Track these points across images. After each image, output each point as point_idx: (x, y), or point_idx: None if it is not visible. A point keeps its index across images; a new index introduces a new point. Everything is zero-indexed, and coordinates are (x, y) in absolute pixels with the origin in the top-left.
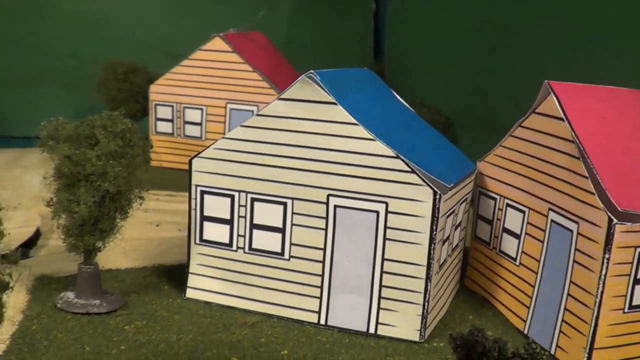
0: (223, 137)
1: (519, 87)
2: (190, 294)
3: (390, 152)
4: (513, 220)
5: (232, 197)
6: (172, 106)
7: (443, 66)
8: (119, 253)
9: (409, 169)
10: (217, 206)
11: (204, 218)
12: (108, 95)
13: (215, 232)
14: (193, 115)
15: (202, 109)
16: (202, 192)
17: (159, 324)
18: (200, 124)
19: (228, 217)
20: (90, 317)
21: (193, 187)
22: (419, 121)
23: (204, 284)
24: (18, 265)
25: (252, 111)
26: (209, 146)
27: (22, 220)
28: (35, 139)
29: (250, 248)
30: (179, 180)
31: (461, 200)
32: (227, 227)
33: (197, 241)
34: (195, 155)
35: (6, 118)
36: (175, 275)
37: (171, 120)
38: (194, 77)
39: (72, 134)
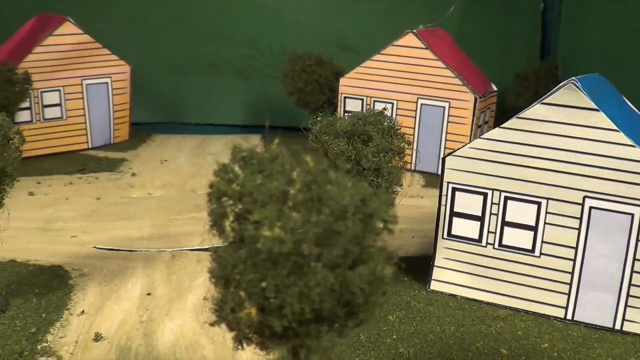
0: (480, 137)
1: None
2: (434, 286)
3: None
4: None
5: (484, 195)
6: (361, 99)
7: (621, 68)
8: None
9: None
10: (468, 203)
11: (454, 214)
12: (294, 87)
13: (465, 227)
14: None
15: (392, 103)
16: (454, 189)
17: (417, 315)
18: None
19: (479, 214)
20: None
21: (445, 184)
22: None
23: (450, 277)
24: None
25: (444, 107)
26: (464, 145)
27: None
28: (215, 127)
29: (500, 244)
30: None
31: None
32: (478, 223)
33: (445, 236)
34: (449, 154)
35: (182, 105)
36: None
37: None
38: (385, 72)
39: (348, 130)
